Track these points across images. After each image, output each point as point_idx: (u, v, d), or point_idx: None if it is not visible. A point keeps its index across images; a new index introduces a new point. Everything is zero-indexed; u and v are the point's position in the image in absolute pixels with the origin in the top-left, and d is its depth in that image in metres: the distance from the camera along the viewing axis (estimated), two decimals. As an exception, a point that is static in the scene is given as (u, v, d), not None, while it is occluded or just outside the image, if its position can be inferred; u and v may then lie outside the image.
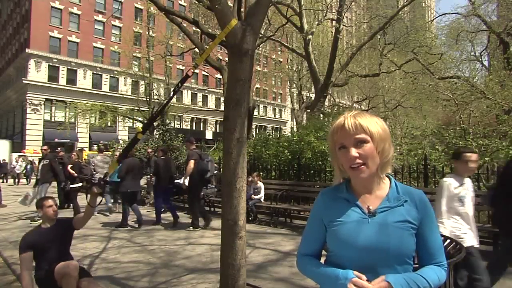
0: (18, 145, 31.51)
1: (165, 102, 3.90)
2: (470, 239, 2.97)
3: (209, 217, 7.54)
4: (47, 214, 3.34)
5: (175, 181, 9.72)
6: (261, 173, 9.60)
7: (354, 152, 1.15)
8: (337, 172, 1.28)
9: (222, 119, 3.50)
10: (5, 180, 22.90)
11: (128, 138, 28.53)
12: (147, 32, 30.55)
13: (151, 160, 11.01)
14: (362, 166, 1.16)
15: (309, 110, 16.35)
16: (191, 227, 7.27)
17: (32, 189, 8.33)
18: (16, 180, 21.65)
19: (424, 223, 1.20)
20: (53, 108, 33.19)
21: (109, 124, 31.89)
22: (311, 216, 1.35)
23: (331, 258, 1.25)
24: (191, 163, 7.25)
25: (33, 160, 22.79)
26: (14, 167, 22.29)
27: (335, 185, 1.32)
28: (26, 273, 3.08)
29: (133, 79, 30.96)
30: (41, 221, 3.42)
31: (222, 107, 3.66)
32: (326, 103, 20.52)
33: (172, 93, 3.11)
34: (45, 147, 9.01)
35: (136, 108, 25.05)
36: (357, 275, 1.12)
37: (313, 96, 21.47)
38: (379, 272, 1.15)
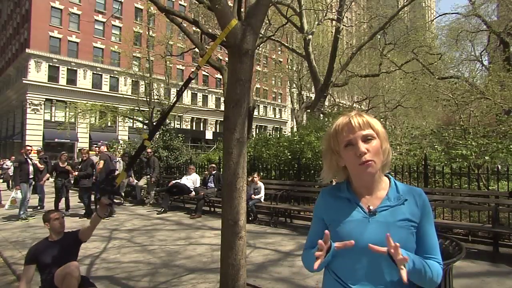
0: (18, 145, 31.49)
1: (169, 107, 3.95)
2: None
3: (111, 210, 8.45)
4: (54, 227, 3.31)
5: (175, 181, 9.79)
6: (261, 173, 9.60)
7: (363, 147, 1.16)
8: (329, 171, 1.30)
9: (222, 119, 3.50)
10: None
11: (128, 138, 28.53)
12: (147, 32, 30.53)
13: (151, 160, 11.06)
14: (371, 162, 1.16)
15: (309, 110, 16.35)
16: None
17: (15, 192, 8.40)
18: (10, 183, 17.47)
19: (423, 220, 1.21)
20: (53, 108, 33.18)
21: (109, 124, 31.89)
22: (314, 214, 1.36)
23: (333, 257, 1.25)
24: (101, 163, 8.72)
25: (32, 160, 22.38)
26: (8, 169, 18.52)
27: (335, 184, 1.33)
28: (24, 284, 3.06)
29: (133, 79, 30.95)
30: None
31: (222, 107, 3.67)
32: (326, 103, 20.52)
33: (176, 98, 3.12)
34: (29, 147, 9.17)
35: (136, 108, 25.05)
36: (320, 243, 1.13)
37: (313, 96, 21.49)
38: (381, 271, 1.15)
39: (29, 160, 8.89)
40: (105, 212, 3.06)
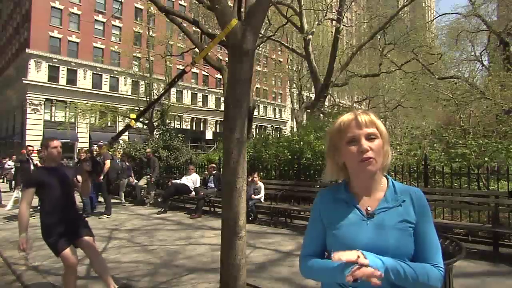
0: (18, 145, 31.49)
1: (161, 94, 3.98)
2: None
3: (110, 208, 8.97)
4: (51, 155, 3.28)
5: (175, 180, 9.80)
6: (261, 173, 9.59)
7: (366, 144, 1.16)
8: (332, 169, 1.27)
9: (222, 119, 3.50)
10: (4, 181, 22.73)
11: (128, 138, 28.54)
12: (147, 32, 30.57)
13: (151, 160, 11.07)
14: (372, 159, 1.15)
15: (309, 110, 16.35)
16: (105, 215, 8.56)
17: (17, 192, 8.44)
18: (12, 184, 15.86)
19: (421, 221, 1.18)
20: (53, 108, 33.18)
21: (109, 124, 31.91)
22: (311, 217, 1.33)
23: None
24: (108, 162, 8.93)
25: (33, 160, 22.29)
26: (11, 169, 17.16)
27: (333, 185, 1.31)
28: (25, 205, 3.10)
29: (133, 79, 30.99)
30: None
31: (222, 107, 3.67)
32: (326, 103, 20.50)
33: (168, 86, 3.14)
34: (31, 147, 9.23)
35: (136, 108, 25.08)
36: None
37: (313, 96, 21.47)
38: None
39: (30, 160, 8.89)
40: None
